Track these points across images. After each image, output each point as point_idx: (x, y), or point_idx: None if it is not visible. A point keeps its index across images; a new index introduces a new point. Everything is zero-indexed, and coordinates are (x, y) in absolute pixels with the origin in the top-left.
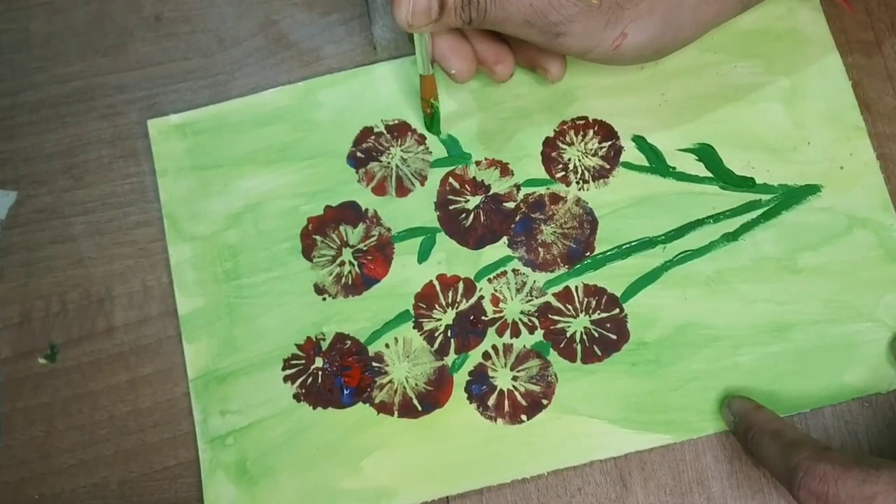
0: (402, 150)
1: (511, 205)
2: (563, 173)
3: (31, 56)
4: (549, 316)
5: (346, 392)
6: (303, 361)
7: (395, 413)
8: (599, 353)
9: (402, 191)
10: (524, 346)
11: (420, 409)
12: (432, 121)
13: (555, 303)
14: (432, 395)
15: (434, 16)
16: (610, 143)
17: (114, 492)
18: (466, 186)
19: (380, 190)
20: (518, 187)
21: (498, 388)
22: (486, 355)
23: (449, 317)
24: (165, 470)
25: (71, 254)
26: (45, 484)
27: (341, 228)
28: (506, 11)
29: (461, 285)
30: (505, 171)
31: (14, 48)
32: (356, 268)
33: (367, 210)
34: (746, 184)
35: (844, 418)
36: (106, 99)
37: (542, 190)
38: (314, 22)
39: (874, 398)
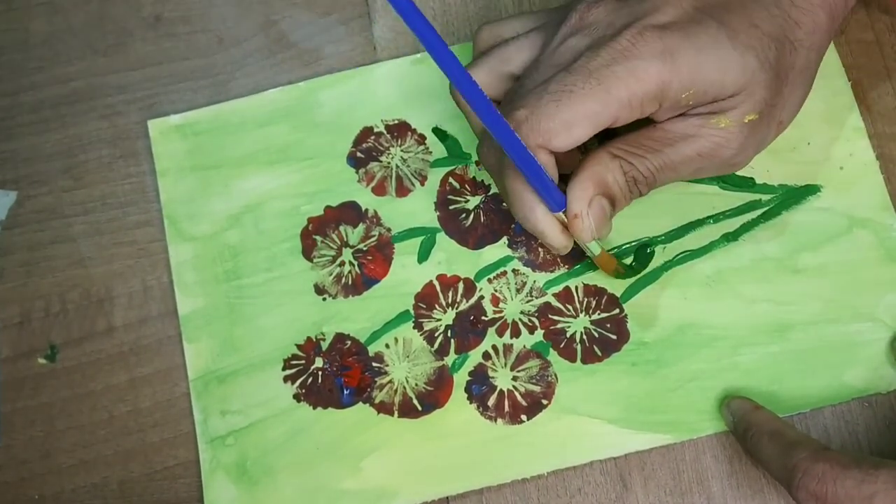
0: (402, 150)
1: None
2: None
3: (31, 56)
4: (549, 316)
5: (346, 392)
6: (303, 361)
7: (395, 413)
8: (599, 353)
9: (402, 191)
10: (524, 347)
11: (420, 409)
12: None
13: (555, 303)
14: (432, 396)
15: (609, 215)
16: None
17: (114, 492)
18: (466, 186)
19: (380, 190)
20: None
21: (498, 389)
22: (486, 355)
23: (449, 317)
24: (165, 470)
25: (71, 254)
26: (45, 484)
27: (341, 228)
28: (676, 172)
29: (461, 285)
30: None
31: (14, 48)
32: (356, 268)
33: (367, 210)
34: (746, 184)
35: (844, 418)
36: (106, 99)
37: None
38: (314, 22)
39: (874, 398)
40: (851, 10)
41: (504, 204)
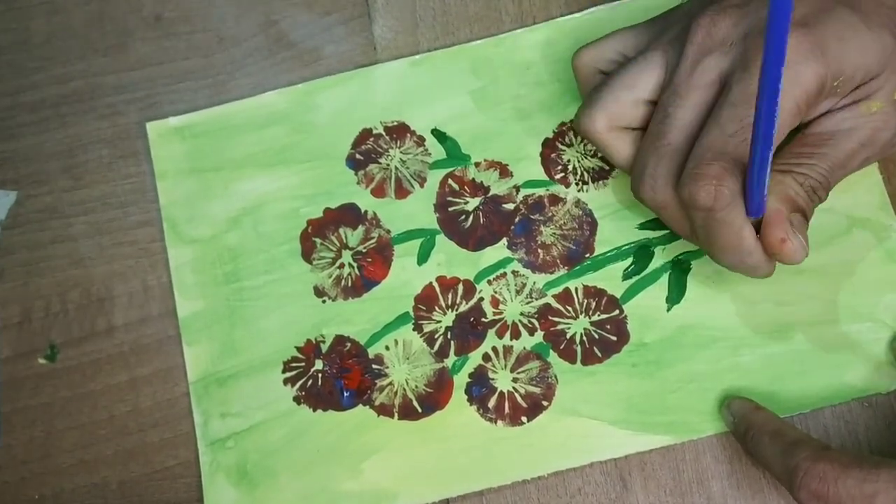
0: (401, 152)
1: (510, 206)
2: (562, 174)
3: (31, 56)
4: (549, 317)
5: (346, 394)
6: (303, 364)
7: (396, 415)
8: (599, 354)
9: (402, 192)
10: (524, 348)
11: (420, 410)
12: None
13: (554, 304)
14: (432, 397)
15: (806, 229)
16: None
17: (114, 492)
18: (466, 188)
19: (379, 192)
20: (517, 189)
21: (498, 390)
22: (486, 357)
23: (449, 318)
24: (165, 470)
25: (71, 254)
26: (45, 484)
27: (341, 230)
28: (845, 168)
29: (461, 287)
30: (504, 172)
31: (14, 48)
32: (356, 270)
33: (366, 212)
34: None
35: (844, 418)
36: (106, 99)
37: (541, 191)
38: (314, 22)
39: (874, 398)
40: None
41: (503, 205)
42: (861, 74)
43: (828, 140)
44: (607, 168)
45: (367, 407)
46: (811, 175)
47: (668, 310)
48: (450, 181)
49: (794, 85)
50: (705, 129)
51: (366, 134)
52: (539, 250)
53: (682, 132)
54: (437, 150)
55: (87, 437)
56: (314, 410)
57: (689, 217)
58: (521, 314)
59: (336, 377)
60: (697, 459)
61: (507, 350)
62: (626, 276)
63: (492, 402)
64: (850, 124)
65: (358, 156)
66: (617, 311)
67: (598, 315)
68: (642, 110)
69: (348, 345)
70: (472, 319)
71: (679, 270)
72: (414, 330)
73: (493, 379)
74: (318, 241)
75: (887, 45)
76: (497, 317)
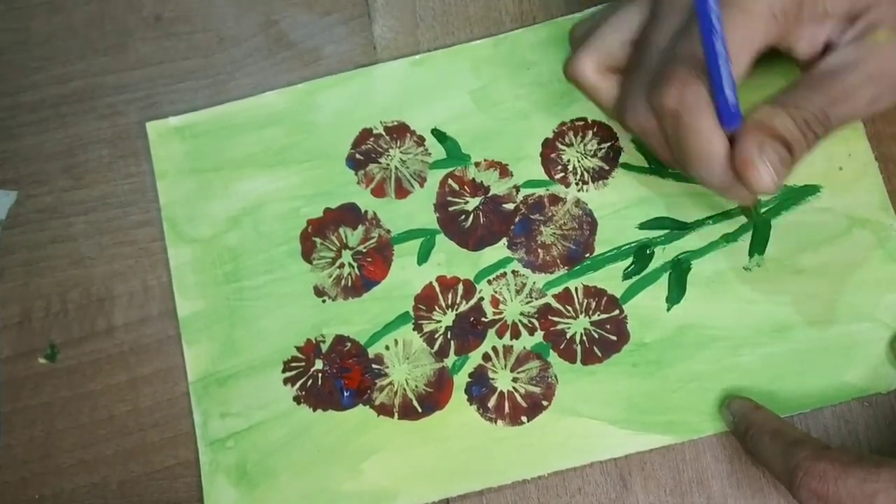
0: (401, 152)
1: (510, 206)
2: (562, 174)
3: (31, 56)
4: (549, 317)
5: (346, 394)
6: (303, 364)
7: (396, 415)
8: (599, 354)
9: (402, 192)
10: (524, 348)
11: (420, 410)
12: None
13: (554, 304)
14: (432, 397)
15: (789, 162)
16: (609, 144)
17: (114, 492)
18: (466, 188)
19: (379, 192)
20: (517, 188)
21: (498, 390)
22: (486, 357)
23: (449, 318)
24: (165, 470)
25: (71, 253)
26: (45, 484)
27: (341, 230)
28: (850, 104)
29: (461, 287)
30: (504, 172)
31: (14, 48)
32: (356, 270)
33: (366, 212)
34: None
35: (844, 418)
36: (106, 99)
37: (541, 191)
38: (314, 22)
39: (874, 398)
40: None
41: (503, 205)
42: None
43: (832, 74)
44: (607, 168)
45: (367, 407)
46: (807, 107)
47: (668, 309)
48: (450, 181)
49: None
50: (678, 42)
51: (366, 134)
52: (539, 250)
53: (661, 55)
54: (437, 150)
55: (87, 437)
56: (314, 410)
57: (663, 130)
58: (521, 314)
59: (336, 377)
60: (697, 459)
61: (507, 350)
62: (626, 276)
63: (492, 402)
64: (856, 56)
65: (358, 156)
66: (617, 311)
67: (598, 315)
68: (629, 51)
69: (348, 344)
70: (472, 319)
71: (679, 270)
72: (414, 330)
73: (493, 379)
74: (318, 240)
75: None
76: (497, 316)
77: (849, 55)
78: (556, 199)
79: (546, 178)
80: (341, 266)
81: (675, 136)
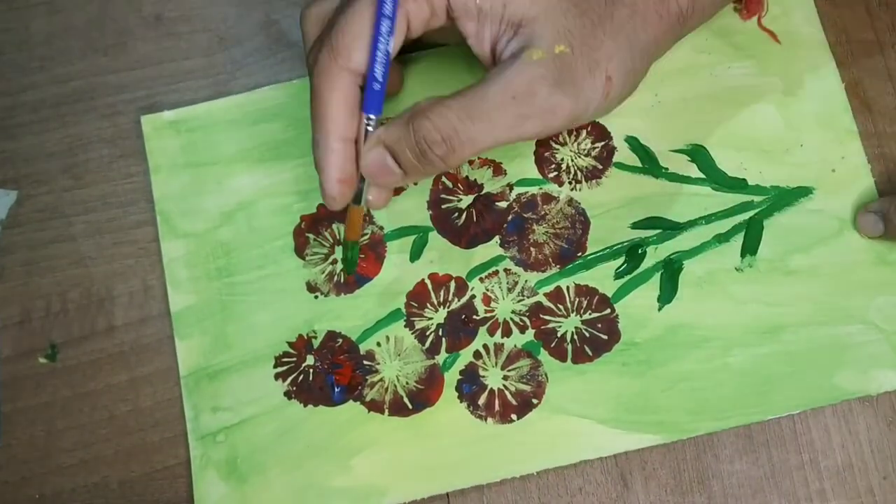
0: None
1: (503, 204)
2: (555, 173)
3: (31, 56)
4: (541, 315)
5: (337, 390)
6: (294, 359)
7: (386, 411)
8: (590, 352)
9: (396, 189)
10: (515, 346)
11: (411, 407)
12: (349, 262)
13: (546, 302)
14: (423, 394)
15: (398, 174)
16: (603, 143)
17: (114, 491)
18: (459, 185)
19: None
20: (511, 187)
21: (488, 388)
22: (477, 354)
23: (440, 316)
24: (166, 469)
25: (71, 253)
26: (45, 484)
27: (334, 227)
28: (490, 124)
29: (453, 284)
30: (498, 170)
31: (14, 48)
32: None
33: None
34: (739, 185)
35: (845, 417)
36: (106, 98)
37: (534, 190)
38: None
39: (875, 398)
40: (700, 7)
41: (496, 203)
42: (511, 7)
43: (479, 88)
44: (600, 167)
45: (358, 403)
46: (435, 122)
47: (660, 309)
48: (443, 178)
49: None
50: None
51: None
52: (531, 248)
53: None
54: None
55: (87, 436)
56: (305, 406)
57: None
58: (513, 312)
59: (327, 372)
60: (698, 458)
61: (498, 348)
62: (618, 276)
63: (482, 400)
64: (507, 73)
65: None
66: (608, 310)
67: (590, 314)
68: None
69: (340, 340)
70: (463, 317)
71: (671, 270)
72: (405, 326)
73: (483, 376)
74: (311, 236)
75: None
76: (489, 314)
77: (503, 69)
78: (549, 198)
79: (539, 176)
80: (334, 262)
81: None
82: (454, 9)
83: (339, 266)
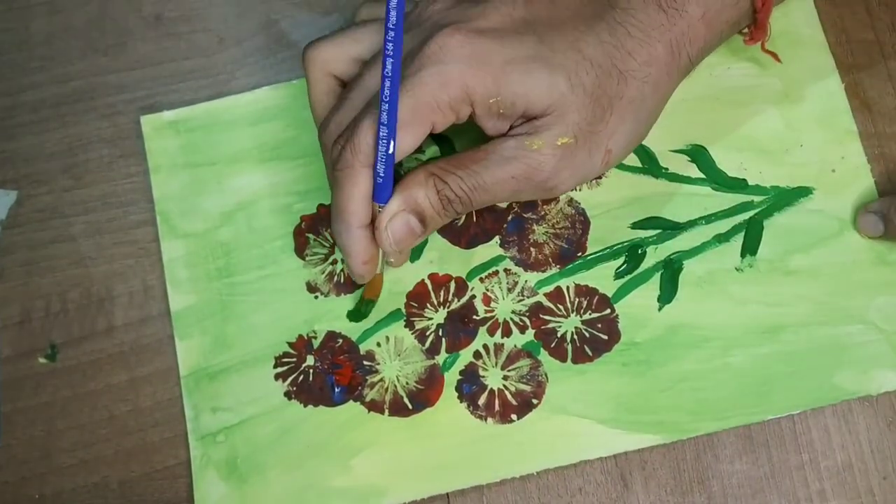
0: None
1: (503, 204)
2: None
3: (31, 56)
4: (541, 316)
5: (337, 390)
6: (294, 359)
7: (386, 411)
8: (590, 353)
9: None
10: (515, 346)
11: (411, 407)
12: (360, 314)
13: (546, 302)
14: (423, 394)
15: (419, 232)
16: None
17: (114, 492)
18: None
19: None
20: None
21: (488, 388)
22: (476, 354)
23: (440, 316)
24: (166, 470)
25: (71, 253)
26: (45, 484)
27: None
28: (490, 193)
29: (453, 284)
30: None
31: (14, 48)
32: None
33: None
34: (738, 185)
35: (845, 418)
36: (106, 98)
37: None
38: (315, 21)
39: (875, 398)
40: (709, 47)
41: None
42: (522, 104)
43: (487, 162)
44: None
45: (358, 403)
46: (452, 187)
47: (660, 309)
48: None
49: (437, 84)
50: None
51: None
52: (531, 248)
53: (364, 93)
54: (430, 148)
55: (87, 436)
56: (305, 406)
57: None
58: (513, 312)
59: (327, 373)
60: (698, 458)
61: (498, 348)
62: (618, 276)
63: (482, 400)
64: (511, 154)
65: None
66: (608, 310)
67: (590, 314)
68: (355, 69)
69: (340, 341)
70: (463, 317)
71: (671, 270)
72: (405, 327)
73: (483, 376)
74: (311, 237)
75: (558, 86)
76: (488, 314)
77: (507, 150)
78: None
79: None
80: (334, 262)
81: (331, 185)
82: (478, 116)
83: (339, 266)
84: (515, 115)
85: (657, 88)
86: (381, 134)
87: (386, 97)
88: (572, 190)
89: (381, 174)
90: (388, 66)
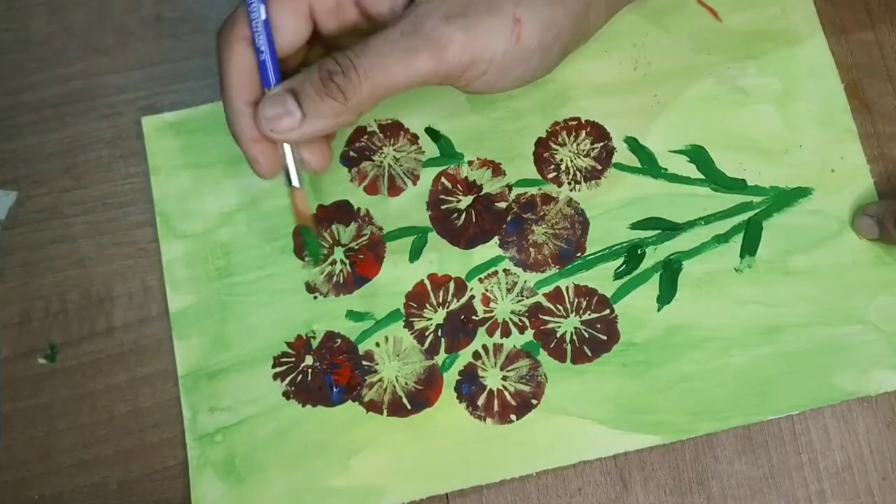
0: (394, 150)
1: (503, 205)
2: (554, 174)
3: (31, 56)
4: (540, 316)
5: (335, 390)
6: (293, 359)
7: (385, 412)
8: (589, 353)
9: (395, 190)
10: (514, 346)
11: (409, 408)
12: (309, 247)
13: (545, 303)
14: (422, 395)
15: (295, 113)
16: (602, 144)
17: (114, 492)
18: (458, 186)
19: (372, 189)
20: (510, 187)
21: (488, 388)
22: (476, 355)
23: (440, 316)
24: (165, 470)
25: (71, 254)
26: (45, 484)
27: (333, 227)
28: (383, 71)
29: (452, 285)
30: (497, 171)
31: (14, 48)
32: (348, 266)
33: (359, 209)
34: (738, 185)
35: (844, 418)
36: (106, 99)
37: (533, 190)
38: None
39: (874, 399)
40: None
41: (496, 203)
42: None
43: (381, 33)
44: (600, 168)
45: (357, 403)
46: (334, 58)
47: (659, 310)
48: (443, 179)
49: None
50: None
51: (360, 131)
52: (531, 249)
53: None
54: (430, 149)
55: (87, 437)
56: (303, 406)
57: None
58: (512, 312)
59: (326, 373)
60: (697, 459)
61: (497, 348)
62: (618, 276)
63: (481, 400)
64: (400, 14)
65: (351, 153)
66: (607, 311)
67: (589, 314)
68: None
69: (339, 341)
70: (462, 317)
71: (670, 271)
72: (405, 327)
73: (482, 377)
74: None
75: None
76: (488, 315)
77: (403, 20)
78: (548, 199)
79: (538, 177)
80: (333, 262)
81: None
82: None
83: (339, 266)
84: None
85: None
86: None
87: None
88: (474, 66)
89: (262, 48)
90: None
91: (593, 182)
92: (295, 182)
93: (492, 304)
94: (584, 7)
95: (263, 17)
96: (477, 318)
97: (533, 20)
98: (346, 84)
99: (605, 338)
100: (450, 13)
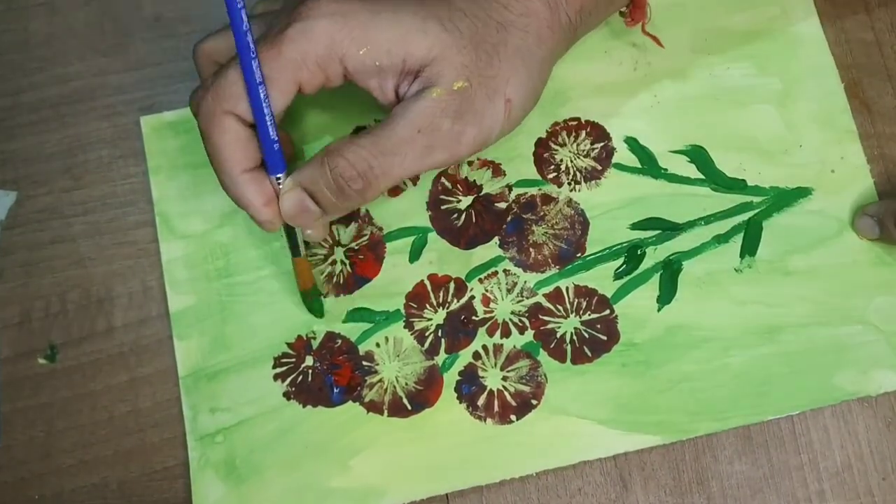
0: None
1: (503, 205)
2: (554, 174)
3: (31, 56)
4: (540, 316)
5: (335, 391)
6: (293, 360)
7: (385, 412)
8: (589, 353)
9: (395, 190)
10: (514, 347)
11: (410, 408)
12: (314, 309)
13: (545, 303)
14: (422, 395)
15: (314, 211)
16: (602, 144)
17: (114, 492)
18: (458, 186)
19: None
20: (510, 188)
21: (488, 388)
22: (476, 355)
23: (440, 316)
24: (165, 470)
25: (71, 254)
26: (45, 484)
27: (333, 227)
28: (401, 157)
29: (452, 285)
30: (497, 171)
31: (14, 48)
32: (348, 267)
33: (359, 209)
34: (738, 186)
35: (844, 418)
36: (106, 99)
37: (533, 190)
38: None
39: (874, 399)
40: (588, 12)
41: (496, 204)
42: (400, 51)
43: (388, 125)
44: (600, 168)
45: (357, 404)
46: (349, 159)
47: (659, 310)
48: (443, 179)
49: (303, 39)
50: None
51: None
52: (530, 249)
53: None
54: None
55: (87, 437)
56: (304, 406)
57: None
58: (512, 313)
59: (326, 373)
60: (697, 459)
61: (498, 348)
62: (618, 276)
63: (481, 400)
64: (411, 110)
65: None
66: (607, 311)
67: (589, 314)
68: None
69: (339, 341)
70: (462, 317)
71: (670, 271)
72: (405, 327)
73: (482, 377)
74: None
75: (432, 30)
76: (488, 315)
77: (407, 108)
78: (548, 199)
79: (538, 177)
80: (333, 263)
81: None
82: (352, 72)
83: (339, 267)
84: (396, 68)
85: (541, 40)
86: (260, 93)
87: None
88: (480, 148)
89: (273, 137)
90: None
91: (593, 182)
92: (302, 253)
93: (492, 305)
94: (552, 61)
95: (274, 110)
96: (477, 319)
97: (520, 95)
98: (365, 188)
99: (605, 338)
100: (460, 110)
